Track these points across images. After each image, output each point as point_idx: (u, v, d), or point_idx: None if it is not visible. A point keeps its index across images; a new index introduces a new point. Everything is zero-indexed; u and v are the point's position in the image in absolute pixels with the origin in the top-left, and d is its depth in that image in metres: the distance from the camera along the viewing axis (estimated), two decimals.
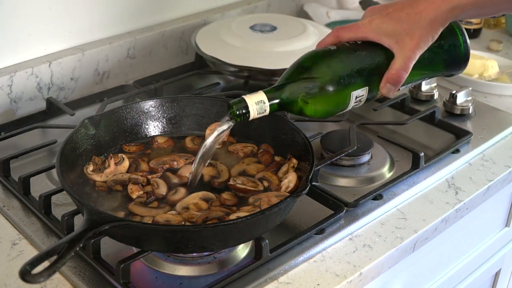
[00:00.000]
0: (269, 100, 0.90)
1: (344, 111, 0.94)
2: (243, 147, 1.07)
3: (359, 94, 0.92)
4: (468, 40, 0.98)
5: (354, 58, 0.92)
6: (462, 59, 0.99)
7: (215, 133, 0.94)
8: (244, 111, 0.89)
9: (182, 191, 0.96)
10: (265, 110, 0.90)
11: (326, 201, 1.04)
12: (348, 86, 0.91)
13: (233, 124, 0.93)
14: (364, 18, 0.95)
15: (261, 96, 0.90)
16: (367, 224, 1.03)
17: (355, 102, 0.92)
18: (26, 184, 1.04)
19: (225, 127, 0.93)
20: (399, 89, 0.95)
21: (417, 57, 0.92)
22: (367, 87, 0.92)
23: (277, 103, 0.90)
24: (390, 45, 0.92)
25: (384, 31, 0.92)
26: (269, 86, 0.92)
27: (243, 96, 0.90)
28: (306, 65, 0.91)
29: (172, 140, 1.09)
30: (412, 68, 0.92)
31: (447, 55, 0.97)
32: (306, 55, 0.93)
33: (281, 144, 1.05)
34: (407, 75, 0.92)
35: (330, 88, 0.90)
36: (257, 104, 0.89)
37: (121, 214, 0.92)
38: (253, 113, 0.90)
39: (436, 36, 0.93)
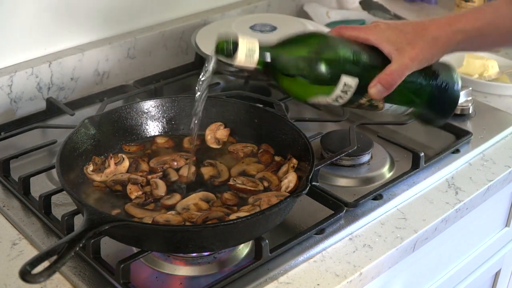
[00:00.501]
0: (260, 52, 0.87)
1: (328, 96, 0.91)
2: (243, 147, 1.07)
3: (348, 82, 0.89)
4: (460, 87, 0.96)
5: (352, 49, 0.91)
6: (449, 102, 0.96)
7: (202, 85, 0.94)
8: (232, 47, 0.86)
9: (177, 196, 0.96)
10: (253, 58, 0.87)
11: (326, 201, 1.04)
12: (340, 67, 0.89)
13: (214, 63, 0.90)
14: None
15: (255, 43, 0.87)
16: (367, 224, 1.03)
17: (341, 91, 0.90)
18: (26, 184, 1.04)
19: (208, 67, 0.92)
20: (383, 107, 0.94)
21: (413, 68, 0.90)
22: (357, 79, 0.90)
23: (265, 62, 0.88)
24: (389, 52, 0.91)
25: (387, 37, 0.91)
26: (269, 86, 0.91)
27: (238, 35, 0.87)
28: (306, 37, 0.91)
29: (172, 140, 1.09)
30: (397, 88, 0.90)
31: (437, 90, 0.94)
32: (308, 31, 0.92)
33: (281, 144, 1.05)
34: (400, 81, 0.90)
35: (323, 63, 0.88)
36: (248, 49, 0.86)
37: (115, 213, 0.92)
38: (241, 56, 0.86)
39: (437, 57, 0.92)
